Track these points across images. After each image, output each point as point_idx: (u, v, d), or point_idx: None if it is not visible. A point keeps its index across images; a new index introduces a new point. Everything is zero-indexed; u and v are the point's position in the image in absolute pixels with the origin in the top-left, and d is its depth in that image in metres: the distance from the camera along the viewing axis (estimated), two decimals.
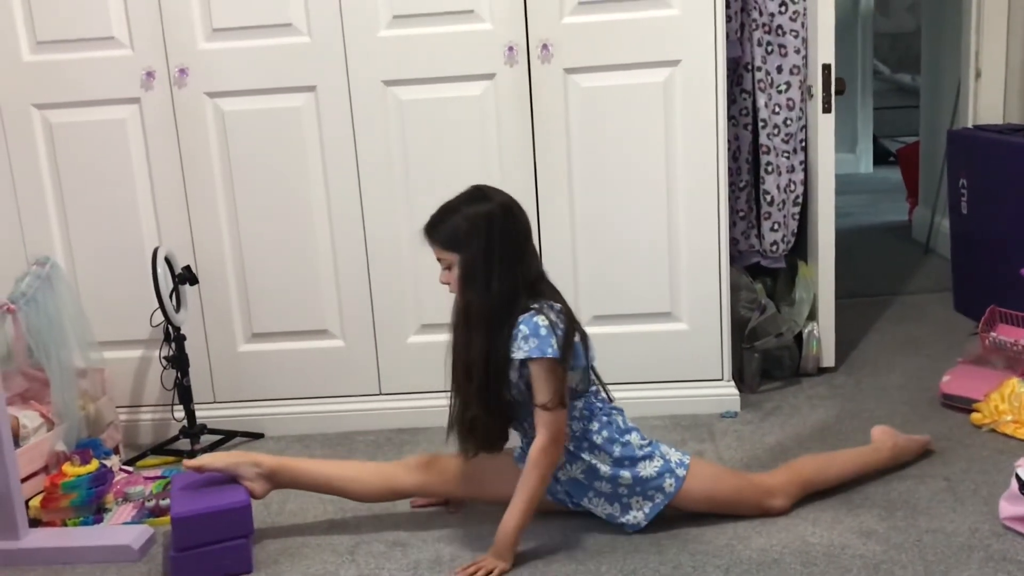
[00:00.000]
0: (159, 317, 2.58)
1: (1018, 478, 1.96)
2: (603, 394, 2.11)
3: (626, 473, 2.04)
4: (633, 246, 2.67)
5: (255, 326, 2.78)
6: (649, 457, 2.06)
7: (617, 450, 2.04)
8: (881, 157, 6.88)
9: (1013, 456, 2.25)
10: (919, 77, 4.92)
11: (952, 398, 2.63)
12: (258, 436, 2.77)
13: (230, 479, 2.09)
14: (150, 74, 2.64)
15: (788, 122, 2.93)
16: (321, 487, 2.19)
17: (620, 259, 2.68)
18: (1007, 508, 1.99)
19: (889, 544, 1.95)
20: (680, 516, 2.09)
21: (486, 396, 1.99)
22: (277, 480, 2.13)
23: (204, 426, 2.70)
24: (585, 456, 2.04)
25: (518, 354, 1.94)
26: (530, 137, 2.63)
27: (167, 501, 2.24)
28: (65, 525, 2.25)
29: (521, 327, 1.94)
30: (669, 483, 2.05)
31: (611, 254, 2.68)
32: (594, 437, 2.04)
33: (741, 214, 3.03)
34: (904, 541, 1.96)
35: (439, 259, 2.04)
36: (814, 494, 2.16)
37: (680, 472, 2.07)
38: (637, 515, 2.06)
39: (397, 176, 2.67)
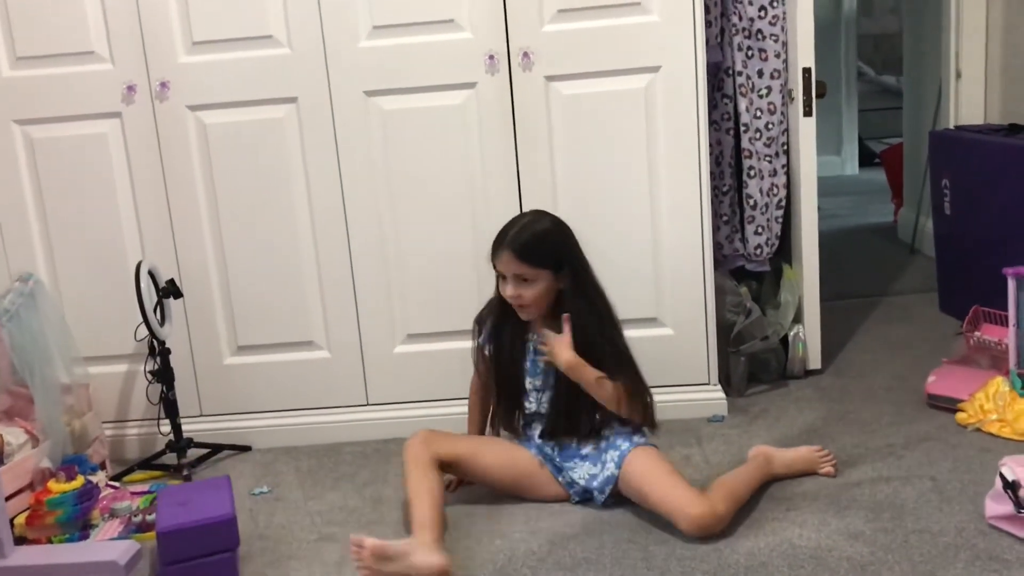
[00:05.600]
0: (143, 331, 2.57)
1: (1002, 477, 1.96)
2: None
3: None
4: (617, 252, 2.67)
5: (240, 338, 2.77)
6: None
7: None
8: (867, 159, 6.91)
9: (998, 455, 2.25)
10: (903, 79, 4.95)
11: (937, 398, 2.64)
12: (245, 449, 2.76)
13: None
14: (131, 88, 2.64)
15: (770, 126, 2.94)
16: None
17: (604, 265, 2.65)
18: (992, 507, 2.00)
19: (876, 545, 1.96)
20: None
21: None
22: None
23: (191, 440, 2.69)
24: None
25: None
26: (512, 145, 2.63)
27: (154, 516, 2.23)
28: (51, 542, 2.24)
29: None
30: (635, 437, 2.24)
31: (595, 260, 2.65)
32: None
33: (725, 218, 3.04)
34: (891, 542, 1.97)
35: (520, 276, 2.17)
36: (801, 501, 2.17)
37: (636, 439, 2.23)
38: (609, 466, 2.19)
39: (380, 186, 2.67)
